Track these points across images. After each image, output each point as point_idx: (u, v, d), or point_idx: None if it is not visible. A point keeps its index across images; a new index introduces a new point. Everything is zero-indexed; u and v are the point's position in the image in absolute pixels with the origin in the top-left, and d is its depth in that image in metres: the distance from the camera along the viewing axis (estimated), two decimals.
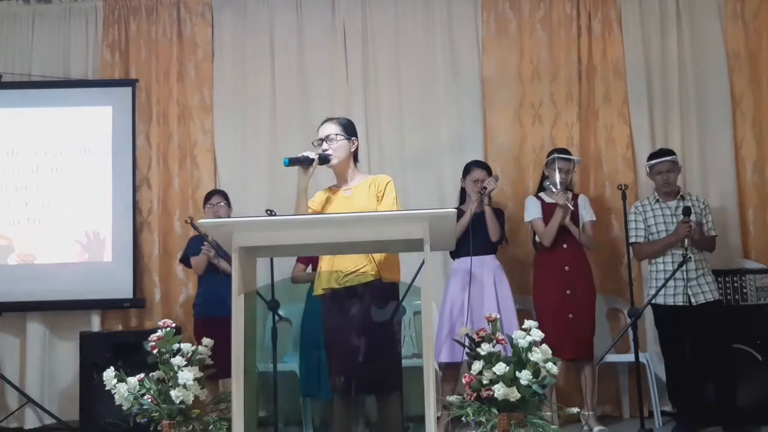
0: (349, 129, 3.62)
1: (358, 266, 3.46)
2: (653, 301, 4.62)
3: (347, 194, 3.59)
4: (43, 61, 5.75)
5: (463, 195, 4.98)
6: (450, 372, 4.75)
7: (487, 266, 4.79)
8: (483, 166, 4.98)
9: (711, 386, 4.60)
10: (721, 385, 4.58)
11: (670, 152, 4.84)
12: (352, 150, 3.63)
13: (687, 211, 4.53)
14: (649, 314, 5.13)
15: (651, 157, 4.87)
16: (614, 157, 5.49)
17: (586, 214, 4.93)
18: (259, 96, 5.70)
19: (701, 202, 4.80)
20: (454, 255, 4.88)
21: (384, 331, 3.51)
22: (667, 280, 4.47)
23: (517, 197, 5.48)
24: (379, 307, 3.52)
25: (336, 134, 3.56)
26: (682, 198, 4.76)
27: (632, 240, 4.74)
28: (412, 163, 5.55)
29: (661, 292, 4.58)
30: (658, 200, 4.78)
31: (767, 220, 5.42)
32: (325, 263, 3.59)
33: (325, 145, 3.57)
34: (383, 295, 3.51)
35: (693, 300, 4.57)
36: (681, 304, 4.57)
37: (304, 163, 3.46)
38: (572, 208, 4.77)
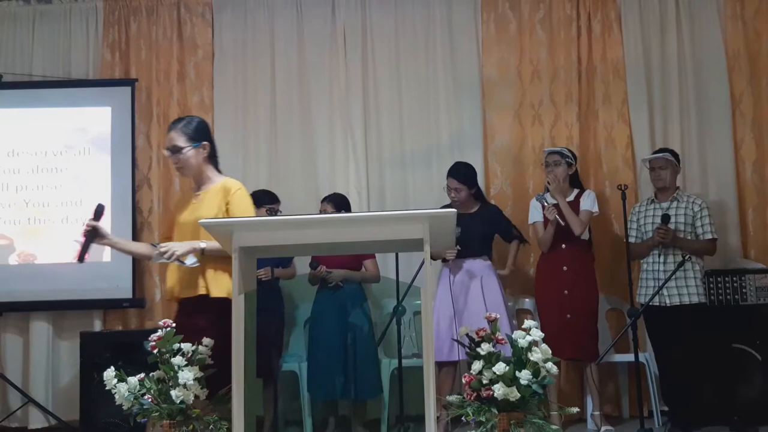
0: (195, 136, 3.41)
1: None
2: (639, 300, 4.73)
3: (196, 200, 3.46)
4: (43, 61, 5.75)
5: None
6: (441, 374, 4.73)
7: (475, 268, 4.77)
8: (457, 175, 4.85)
9: (708, 386, 4.61)
10: (720, 386, 4.59)
11: (669, 150, 4.86)
12: (204, 156, 3.43)
13: (665, 219, 4.61)
14: (647, 314, 5.14)
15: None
16: (614, 157, 5.49)
17: (585, 204, 4.85)
18: (259, 96, 5.69)
19: (697, 204, 4.75)
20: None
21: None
22: (666, 280, 4.48)
23: (516, 198, 5.49)
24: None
25: (182, 147, 3.38)
26: (676, 199, 4.76)
27: (629, 239, 4.77)
28: (412, 163, 5.54)
29: (642, 291, 4.73)
30: (653, 201, 4.83)
31: (767, 221, 5.41)
32: None
33: (172, 158, 3.41)
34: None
35: (668, 301, 4.62)
36: (655, 304, 4.59)
37: (94, 239, 3.34)
38: (563, 224, 4.74)
